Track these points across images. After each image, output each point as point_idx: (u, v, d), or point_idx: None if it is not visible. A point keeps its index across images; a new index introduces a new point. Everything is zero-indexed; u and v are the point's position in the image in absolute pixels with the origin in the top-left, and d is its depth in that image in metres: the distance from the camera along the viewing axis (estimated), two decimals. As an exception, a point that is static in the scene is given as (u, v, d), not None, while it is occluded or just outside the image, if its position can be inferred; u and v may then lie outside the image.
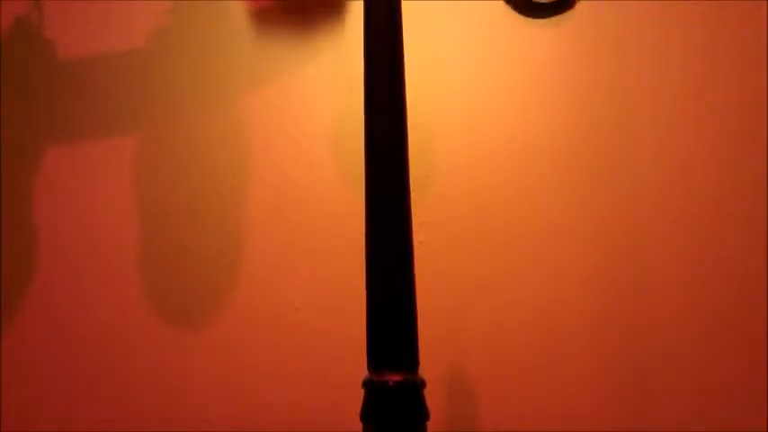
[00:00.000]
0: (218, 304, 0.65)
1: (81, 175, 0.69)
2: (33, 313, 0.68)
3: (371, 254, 0.42)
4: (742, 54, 0.59)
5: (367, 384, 0.42)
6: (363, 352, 0.44)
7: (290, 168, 0.65)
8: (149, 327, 0.65)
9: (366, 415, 0.41)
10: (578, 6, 0.61)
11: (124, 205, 0.67)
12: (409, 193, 0.45)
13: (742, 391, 0.59)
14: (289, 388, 0.62)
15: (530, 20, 0.61)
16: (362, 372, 0.44)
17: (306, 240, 0.64)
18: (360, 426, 0.42)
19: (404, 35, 0.45)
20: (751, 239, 0.58)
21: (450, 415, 0.56)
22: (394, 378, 0.41)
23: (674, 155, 0.59)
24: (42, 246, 0.68)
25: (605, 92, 0.60)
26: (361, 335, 0.44)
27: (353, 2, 0.64)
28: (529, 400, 0.57)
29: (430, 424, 0.43)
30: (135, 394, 0.64)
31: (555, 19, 0.61)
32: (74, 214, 0.68)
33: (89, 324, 0.67)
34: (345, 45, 0.64)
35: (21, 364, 0.67)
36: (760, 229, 0.58)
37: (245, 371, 0.63)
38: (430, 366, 0.44)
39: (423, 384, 0.43)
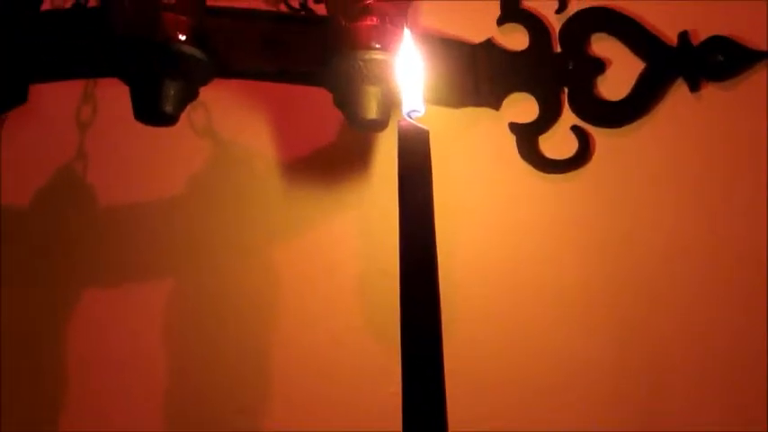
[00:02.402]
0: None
1: (117, 316, 0.72)
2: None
3: (407, 413, 0.45)
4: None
5: None
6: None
7: (318, 316, 0.68)
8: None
9: None
10: (591, 163, 0.65)
11: (154, 345, 0.70)
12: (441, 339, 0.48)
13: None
14: None
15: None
16: None
17: (331, 389, 0.66)
18: None
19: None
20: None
21: None
22: None
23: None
24: (75, 378, 0.71)
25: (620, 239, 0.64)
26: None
27: (376, 161, 0.69)
28: None
29: None
30: None
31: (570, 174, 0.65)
32: (107, 353, 0.71)
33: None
34: (370, 199, 0.68)
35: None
36: None
37: None
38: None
39: None
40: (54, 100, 0.75)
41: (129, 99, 0.57)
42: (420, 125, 0.47)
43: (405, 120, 0.47)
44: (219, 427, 0.69)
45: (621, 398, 0.62)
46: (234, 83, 0.65)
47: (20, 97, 0.62)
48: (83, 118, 0.75)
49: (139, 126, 0.69)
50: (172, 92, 0.52)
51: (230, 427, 0.68)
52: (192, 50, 0.53)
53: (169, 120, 0.54)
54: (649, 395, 0.62)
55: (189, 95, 0.54)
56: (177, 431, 0.69)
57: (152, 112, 0.53)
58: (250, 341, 0.69)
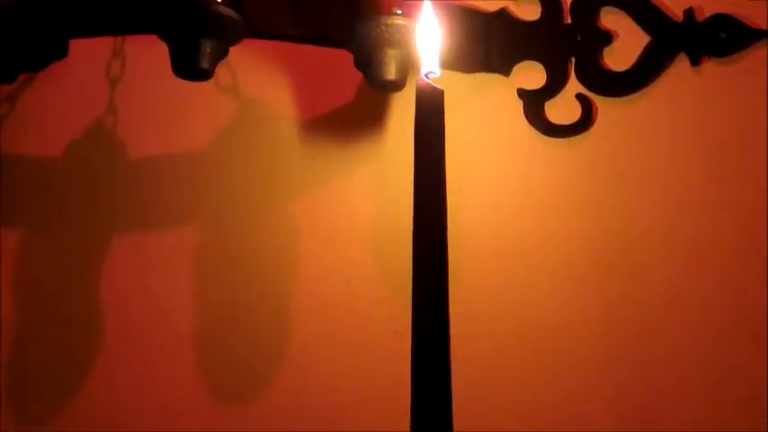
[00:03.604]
0: (263, 386, 0.72)
1: (142, 265, 0.76)
2: (96, 386, 0.75)
3: (417, 351, 0.50)
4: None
5: None
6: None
7: (334, 269, 0.72)
8: (199, 403, 0.73)
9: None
10: (593, 129, 0.69)
11: (181, 292, 0.75)
12: (447, 295, 0.52)
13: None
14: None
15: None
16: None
17: (345, 334, 0.71)
18: None
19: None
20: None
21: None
22: None
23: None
24: (103, 327, 0.75)
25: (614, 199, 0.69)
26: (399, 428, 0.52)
27: (393, 121, 0.73)
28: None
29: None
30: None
31: (573, 139, 0.69)
32: (134, 300, 0.76)
33: (143, 400, 0.74)
34: (386, 157, 0.72)
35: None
36: None
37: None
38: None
39: None
40: (84, 56, 0.78)
41: (157, 55, 0.61)
42: (436, 85, 0.51)
43: (422, 79, 0.51)
44: (239, 372, 0.73)
45: (613, 343, 0.68)
46: (258, 43, 0.69)
47: (60, 52, 0.67)
48: (113, 73, 0.79)
49: (167, 82, 0.74)
50: (208, 49, 0.56)
51: (250, 370, 0.73)
52: (227, 11, 0.57)
53: (205, 75, 0.58)
54: (638, 343, 0.67)
55: (222, 53, 0.59)
56: (198, 376, 0.74)
57: (190, 67, 0.57)
58: (270, 289, 0.73)
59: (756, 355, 0.65)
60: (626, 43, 0.69)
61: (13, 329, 0.76)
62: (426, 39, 0.53)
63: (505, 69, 0.71)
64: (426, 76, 0.52)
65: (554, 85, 0.70)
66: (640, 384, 0.67)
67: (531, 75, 0.70)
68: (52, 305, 0.77)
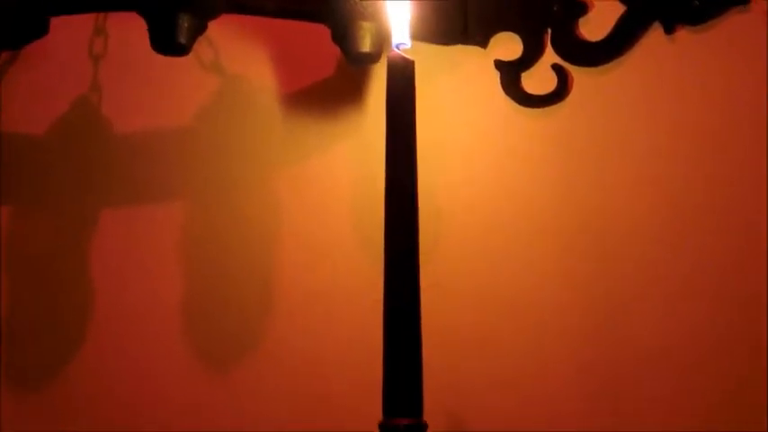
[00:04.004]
0: (250, 348, 0.74)
1: (130, 238, 0.78)
2: (88, 355, 0.77)
3: (388, 315, 0.51)
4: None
5: (382, 427, 0.54)
6: (378, 403, 0.54)
7: (315, 237, 0.74)
8: (189, 371, 0.75)
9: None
10: (569, 99, 0.70)
11: (169, 265, 0.76)
12: (418, 259, 0.54)
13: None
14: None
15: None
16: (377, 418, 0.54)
17: (328, 305, 0.73)
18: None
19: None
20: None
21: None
22: (403, 422, 0.52)
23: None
24: (94, 301, 0.77)
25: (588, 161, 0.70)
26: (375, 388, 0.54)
27: (370, 94, 0.74)
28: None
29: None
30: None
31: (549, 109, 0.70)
32: (123, 275, 0.78)
33: (133, 369, 0.76)
34: (364, 130, 0.73)
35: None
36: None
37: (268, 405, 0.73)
38: (429, 413, 0.54)
39: (426, 427, 0.54)
40: (66, 34, 0.78)
41: (139, 33, 0.62)
42: (406, 56, 0.52)
43: (394, 51, 0.52)
44: (226, 341, 0.75)
45: (588, 314, 0.69)
46: (239, 19, 0.70)
47: (41, 29, 0.67)
48: (95, 51, 0.80)
49: (149, 59, 0.75)
50: (186, 24, 0.57)
51: (236, 339, 0.75)
52: (204, -14, 0.58)
53: (183, 50, 0.59)
54: (614, 315, 0.69)
55: (200, 28, 0.60)
56: (187, 345, 0.76)
57: (168, 43, 0.58)
58: (255, 260, 0.75)
59: (737, 325, 0.66)
60: (601, 13, 0.70)
61: (5, 306, 0.78)
62: (397, 11, 0.54)
63: (483, 41, 0.71)
64: (397, 47, 0.53)
65: (530, 56, 0.71)
66: (615, 355, 0.68)
67: (509, 46, 0.71)
68: (43, 281, 0.79)
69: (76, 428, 0.76)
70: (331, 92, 0.75)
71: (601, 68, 0.70)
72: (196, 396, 0.75)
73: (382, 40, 0.62)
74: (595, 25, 0.70)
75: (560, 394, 0.69)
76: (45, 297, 0.79)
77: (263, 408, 0.74)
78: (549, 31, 0.71)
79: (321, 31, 0.66)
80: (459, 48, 0.71)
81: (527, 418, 0.69)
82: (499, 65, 0.71)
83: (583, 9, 0.70)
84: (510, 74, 0.71)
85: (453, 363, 0.69)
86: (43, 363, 0.78)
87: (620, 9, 0.69)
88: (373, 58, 0.63)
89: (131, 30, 0.69)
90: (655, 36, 0.69)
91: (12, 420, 0.77)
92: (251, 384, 0.74)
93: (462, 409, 0.70)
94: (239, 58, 0.77)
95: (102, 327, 0.77)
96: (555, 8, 0.70)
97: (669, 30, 0.68)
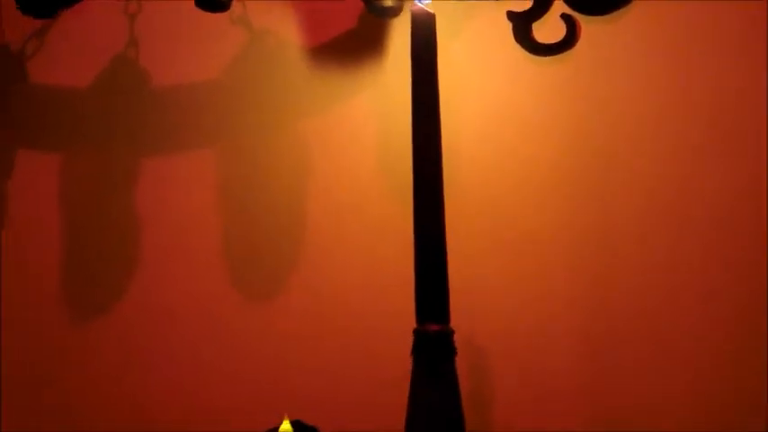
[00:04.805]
0: (283, 283, 0.81)
1: (165, 181, 0.84)
2: (127, 300, 0.84)
3: (418, 242, 0.58)
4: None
5: (415, 333, 0.62)
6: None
7: (340, 183, 0.80)
8: (229, 299, 0.82)
9: (415, 353, 0.62)
10: (578, 46, 0.75)
11: (205, 205, 0.82)
12: (443, 201, 0.60)
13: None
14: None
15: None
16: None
17: (354, 239, 0.79)
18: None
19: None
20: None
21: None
22: (434, 328, 0.61)
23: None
24: (130, 242, 0.83)
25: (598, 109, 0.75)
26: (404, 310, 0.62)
27: (391, 47, 0.79)
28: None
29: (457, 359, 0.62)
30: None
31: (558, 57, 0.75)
32: (158, 213, 0.84)
33: (177, 304, 0.83)
34: (385, 80, 0.78)
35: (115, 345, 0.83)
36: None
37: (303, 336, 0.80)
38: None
39: (452, 333, 0.62)
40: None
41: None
42: (428, 9, 0.57)
43: (416, 5, 0.57)
44: (261, 274, 0.81)
45: (590, 248, 0.75)
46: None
47: None
48: (131, 10, 0.85)
49: (181, 16, 0.80)
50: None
51: (270, 271, 0.81)
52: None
53: (223, 6, 0.65)
54: (613, 249, 0.75)
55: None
56: (223, 280, 0.82)
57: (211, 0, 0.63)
58: (284, 202, 0.81)
59: (731, 289, 0.71)
60: (609, -37, 0.74)
61: (35, 253, 0.85)
62: (419, -33, 0.59)
63: (495, -7, 0.76)
64: (420, 1, 0.58)
65: (541, 7, 0.75)
66: (608, 289, 0.74)
67: (519, -1, 0.76)
68: (85, 223, 0.85)
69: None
70: (353, 43, 0.80)
71: (608, 17, 0.74)
72: (231, 323, 0.82)
73: (403, -6, 0.68)
74: (603, -25, 0.74)
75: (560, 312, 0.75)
76: (85, 239, 0.85)
77: (295, 331, 0.80)
78: (559, -19, 0.75)
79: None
80: (474, 2, 0.76)
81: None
82: (511, 16, 0.76)
83: (591, -40, 0.74)
84: (522, 24, 0.75)
85: (473, 285, 0.74)
86: (81, 302, 0.85)
87: (626, -41, 0.73)
88: (395, 10, 0.68)
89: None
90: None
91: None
92: (283, 311, 0.81)
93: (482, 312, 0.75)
94: (266, 12, 0.81)
95: (142, 265, 0.83)
96: (564, -41, 0.74)
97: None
